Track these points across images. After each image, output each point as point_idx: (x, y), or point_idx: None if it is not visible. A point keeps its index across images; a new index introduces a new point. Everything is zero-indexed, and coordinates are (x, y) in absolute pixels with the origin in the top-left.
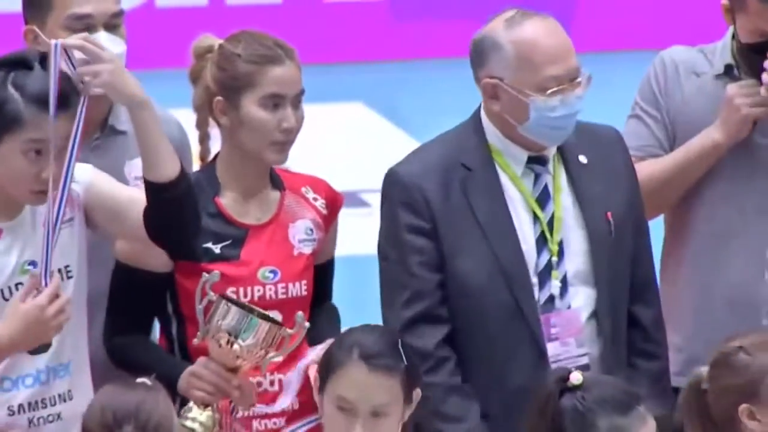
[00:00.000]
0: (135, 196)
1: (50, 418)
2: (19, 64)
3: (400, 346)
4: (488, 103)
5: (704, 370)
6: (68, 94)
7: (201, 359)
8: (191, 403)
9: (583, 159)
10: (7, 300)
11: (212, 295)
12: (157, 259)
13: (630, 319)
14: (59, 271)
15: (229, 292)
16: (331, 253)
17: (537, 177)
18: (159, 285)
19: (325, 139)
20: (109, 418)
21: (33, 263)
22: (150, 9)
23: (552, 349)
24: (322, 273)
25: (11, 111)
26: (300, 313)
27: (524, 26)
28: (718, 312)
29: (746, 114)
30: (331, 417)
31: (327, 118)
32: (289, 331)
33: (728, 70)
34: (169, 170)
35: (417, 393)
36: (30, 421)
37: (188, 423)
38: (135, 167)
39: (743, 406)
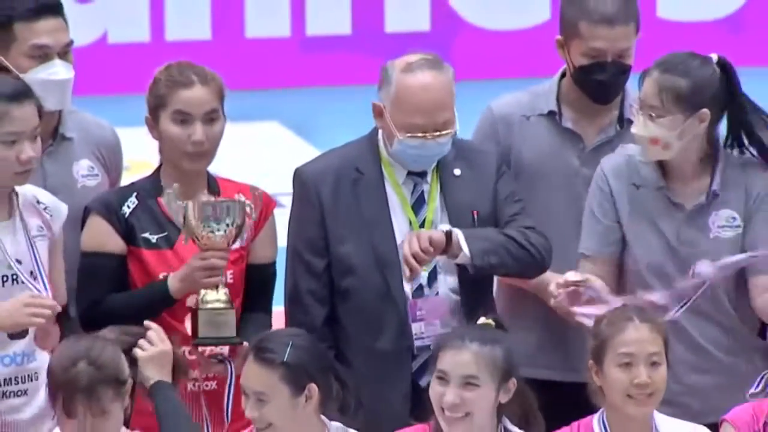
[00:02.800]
0: (60, 282)
1: (18, 393)
2: None
3: (290, 347)
4: (375, 119)
5: None
6: (21, 87)
7: (193, 256)
8: (201, 294)
9: (457, 172)
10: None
11: (180, 203)
12: (112, 243)
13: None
14: (31, 273)
15: (161, 276)
16: (267, 255)
17: (415, 186)
18: (116, 264)
19: (247, 152)
20: (66, 359)
21: (18, 261)
22: (103, 44)
23: (417, 327)
24: (258, 274)
25: None
26: (240, 195)
27: (413, 75)
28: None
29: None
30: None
31: (248, 135)
32: (248, 202)
33: (551, 114)
34: None
35: (311, 389)
36: (3, 394)
37: (210, 305)
38: (81, 167)
39: (590, 363)
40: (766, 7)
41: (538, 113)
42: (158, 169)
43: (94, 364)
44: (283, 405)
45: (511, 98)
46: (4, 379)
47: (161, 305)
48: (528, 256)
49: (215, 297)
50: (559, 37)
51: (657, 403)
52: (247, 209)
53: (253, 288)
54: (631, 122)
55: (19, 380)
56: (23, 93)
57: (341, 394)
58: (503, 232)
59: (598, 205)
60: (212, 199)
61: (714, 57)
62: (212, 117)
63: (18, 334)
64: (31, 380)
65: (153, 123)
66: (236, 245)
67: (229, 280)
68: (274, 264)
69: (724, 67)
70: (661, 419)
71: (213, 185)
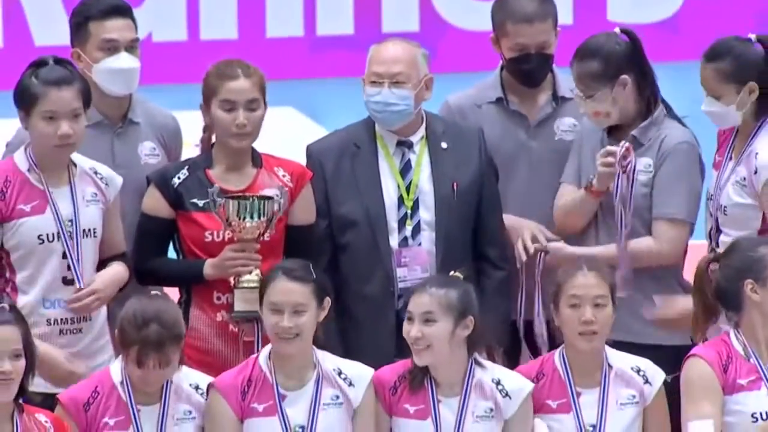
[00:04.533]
0: (118, 237)
1: (74, 331)
2: (42, 63)
3: (311, 268)
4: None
5: None
6: (66, 74)
7: (227, 247)
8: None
9: (444, 145)
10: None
11: (220, 201)
12: (161, 208)
13: (481, 255)
14: (89, 231)
15: (207, 233)
16: (304, 218)
17: (403, 154)
18: (162, 226)
19: (268, 132)
20: (139, 319)
21: (70, 221)
22: (148, 43)
23: (401, 272)
24: (298, 234)
25: (32, 92)
26: (276, 185)
27: (384, 42)
28: None
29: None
30: (266, 318)
31: (268, 118)
32: (277, 197)
33: (498, 100)
34: None
35: (327, 301)
36: (60, 331)
37: (245, 284)
38: (145, 147)
39: (552, 306)
40: (698, 11)
41: (488, 101)
42: (212, 146)
43: (164, 325)
44: (313, 316)
45: (462, 93)
46: (62, 319)
47: (192, 281)
48: (507, 289)
49: (248, 278)
50: (492, 35)
51: (602, 339)
52: (275, 206)
53: (293, 247)
54: (564, 99)
55: (75, 320)
56: (63, 80)
57: (333, 334)
58: (499, 305)
59: (575, 150)
60: (248, 196)
61: (617, 30)
62: (253, 105)
63: (71, 281)
64: (86, 320)
65: (206, 109)
66: (266, 236)
67: (266, 238)
68: (312, 226)
69: (629, 35)
70: (611, 353)
71: (257, 159)
